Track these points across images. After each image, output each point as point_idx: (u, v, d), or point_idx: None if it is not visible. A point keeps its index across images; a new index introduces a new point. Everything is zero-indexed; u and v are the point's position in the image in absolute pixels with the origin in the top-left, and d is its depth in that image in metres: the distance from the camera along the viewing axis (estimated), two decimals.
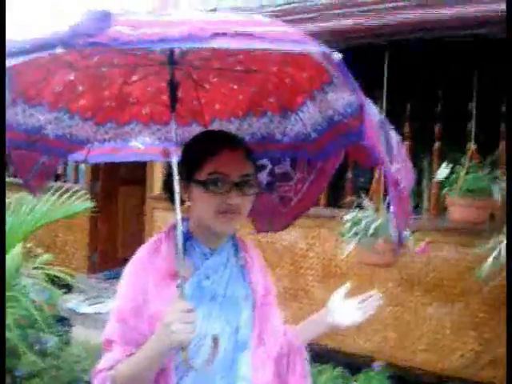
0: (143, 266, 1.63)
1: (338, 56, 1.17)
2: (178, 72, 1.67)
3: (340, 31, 4.44)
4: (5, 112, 1.35)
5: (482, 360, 4.43)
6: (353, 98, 1.47)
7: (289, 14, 4.63)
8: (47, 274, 4.61)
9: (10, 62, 1.13)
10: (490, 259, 3.64)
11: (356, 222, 4.12)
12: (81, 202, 4.46)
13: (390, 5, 4.25)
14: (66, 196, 4.30)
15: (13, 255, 4.03)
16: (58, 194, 4.31)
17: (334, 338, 4.90)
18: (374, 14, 4.30)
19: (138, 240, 7.21)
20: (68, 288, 4.85)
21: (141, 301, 1.59)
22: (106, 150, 2.05)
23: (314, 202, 2.08)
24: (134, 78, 1.78)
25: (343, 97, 1.53)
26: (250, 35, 1.13)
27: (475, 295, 4.44)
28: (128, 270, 1.67)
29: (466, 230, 4.36)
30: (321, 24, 4.44)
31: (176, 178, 1.56)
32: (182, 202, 1.69)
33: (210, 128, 1.99)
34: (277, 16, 4.59)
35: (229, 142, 1.67)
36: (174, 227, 1.65)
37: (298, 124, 1.85)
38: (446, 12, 4.01)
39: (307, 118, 1.79)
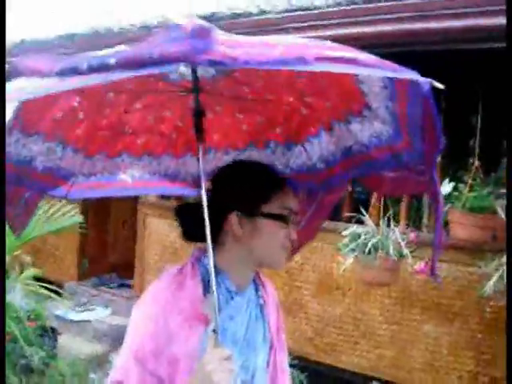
0: (166, 306, 1.48)
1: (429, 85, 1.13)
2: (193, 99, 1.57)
3: (339, 39, 4.33)
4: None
5: (478, 382, 4.32)
6: (386, 128, 1.47)
7: (291, 20, 4.51)
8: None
9: (101, 79, 1.06)
10: (494, 279, 3.54)
11: (354, 237, 4.02)
12: (69, 216, 4.33)
13: (389, 16, 4.14)
14: (54, 209, 4.17)
15: None
16: (47, 206, 4.20)
17: (329, 354, 4.82)
18: (372, 22, 4.20)
19: (128, 246, 7.17)
20: (57, 294, 4.71)
21: (162, 342, 1.45)
22: (90, 185, 1.92)
23: (315, 233, 2.02)
24: (137, 105, 1.67)
25: (373, 127, 1.52)
26: (352, 60, 1.09)
27: (474, 315, 4.34)
28: (149, 307, 1.52)
29: (467, 248, 4.25)
30: (321, 32, 4.34)
31: (206, 210, 1.46)
32: (197, 237, 1.58)
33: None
34: (279, 23, 4.49)
35: (283, 175, 1.67)
36: (198, 260, 1.58)
37: (302, 156, 1.80)
38: (449, 24, 3.91)
39: (316, 149, 1.75)
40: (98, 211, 7.23)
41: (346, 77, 1.36)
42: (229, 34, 1.16)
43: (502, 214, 3.77)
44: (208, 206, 1.53)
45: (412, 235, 4.00)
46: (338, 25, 4.27)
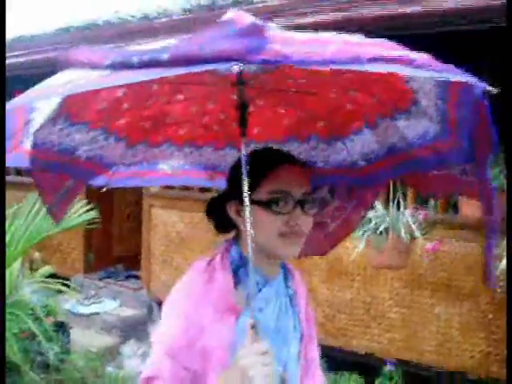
0: (197, 299, 1.47)
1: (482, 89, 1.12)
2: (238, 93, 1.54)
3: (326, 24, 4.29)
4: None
5: (490, 361, 4.35)
6: (434, 126, 1.44)
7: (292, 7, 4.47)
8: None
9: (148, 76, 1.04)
10: (505, 259, 3.53)
11: (365, 222, 4.01)
12: (78, 214, 4.33)
13: None
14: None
15: (12, 270, 3.89)
16: None
17: (339, 338, 4.83)
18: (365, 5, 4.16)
19: (133, 238, 7.17)
20: (65, 288, 4.72)
21: (194, 335, 1.44)
22: (130, 174, 1.93)
23: (355, 227, 1.99)
24: (180, 96, 1.65)
25: (420, 125, 1.49)
26: (407, 61, 1.05)
27: (485, 295, 4.35)
28: (179, 301, 1.51)
29: (477, 227, 4.24)
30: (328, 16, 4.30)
31: (246, 195, 1.40)
32: (228, 227, 1.58)
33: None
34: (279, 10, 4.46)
35: (286, 157, 1.56)
36: (227, 251, 1.55)
37: (343, 152, 1.77)
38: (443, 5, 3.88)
39: (359, 146, 1.72)
40: (102, 204, 7.21)
41: (394, 73, 1.33)
42: (281, 30, 1.14)
43: None
44: (217, 197, 1.57)
45: (421, 216, 4.00)
46: (343, 8, 4.23)
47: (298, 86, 1.58)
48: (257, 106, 1.69)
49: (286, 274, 1.69)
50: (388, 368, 4.35)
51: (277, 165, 1.50)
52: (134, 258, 7.01)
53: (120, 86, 1.45)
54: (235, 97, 1.54)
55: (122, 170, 1.88)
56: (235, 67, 1.27)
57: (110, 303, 6.47)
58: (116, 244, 7.59)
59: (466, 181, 1.47)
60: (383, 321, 4.85)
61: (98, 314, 6.18)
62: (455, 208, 4.57)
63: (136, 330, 6.10)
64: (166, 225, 6.35)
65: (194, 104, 1.72)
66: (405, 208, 4.04)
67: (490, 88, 1.09)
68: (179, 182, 2.05)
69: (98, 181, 1.88)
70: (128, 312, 6.34)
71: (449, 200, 4.60)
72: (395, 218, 3.88)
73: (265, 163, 1.50)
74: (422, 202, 4.62)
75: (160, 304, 6.45)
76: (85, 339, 5.53)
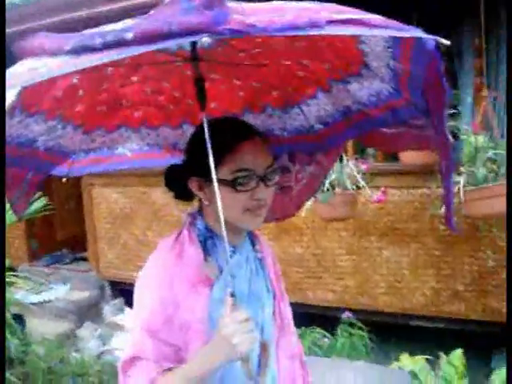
0: (170, 275, 1.48)
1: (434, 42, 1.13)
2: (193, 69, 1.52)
3: None
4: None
5: (442, 296, 4.54)
6: (386, 86, 1.48)
7: None
8: None
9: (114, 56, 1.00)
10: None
11: None
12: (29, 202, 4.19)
13: None
14: None
15: None
16: None
17: (295, 293, 4.92)
18: None
19: (75, 220, 7.04)
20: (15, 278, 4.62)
21: (171, 311, 1.45)
22: (90, 161, 1.90)
23: (315, 190, 2.04)
24: (134, 78, 1.63)
25: (372, 86, 1.52)
26: (362, 22, 1.07)
27: (430, 234, 4.52)
28: (151, 280, 1.51)
29: (417, 172, 4.39)
30: None
31: (214, 172, 1.39)
32: (188, 197, 1.59)
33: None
34: None
35: (246, 132, 1.52)
36: (192, 224, 1.56)
37: (299, 118, 1.79)
38: None
39: (314, 110, 1.75)
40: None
41: (345, 38, 1.35)
42: (236, 2, 1.13)
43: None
44: (177, 170, 1.56)
45: (364, 166, 4.10)
46: None
47: (250, 59, 1.58)
48: (211, 81, 1.68)
49: (252, 240, 1.72)
50: (346, 315, 4.47)
51: (238, 142, 1.47)
52: (77, 240, 6.91)
53: (75, 73, 1.42)
54: (189, 73, 1.53)
55: (82, 158, 1.86)
56: (205, 39, 1.25)
57: (60, 289, 6.37)
58: (59, 229, 7.45)
59: (425, 136, 1.51)
60: (335, 270, 4.97)
61: (49, 301, 6.09)
62: (394, 156, 4.70)
63: (90, 311, 6.06)
64: (109, 202, 6.27)
65: (148, 85, 1.70)
66: (347, 160, 4.12)
67: (442, 40, 1.12)
68: (140, 164, 2.02)
69: (58, 171, 1.86)
70: (80, 295, 6.26)
71: None
72: (339, 171, 3.95)
73: (225, 141, 1.47)
74: (361, 152, 4.72)
75: (111, 283, 6.41)
76: (41, 328, 5.45)
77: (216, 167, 1.41)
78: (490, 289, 4.32)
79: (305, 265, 5.08)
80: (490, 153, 3.58)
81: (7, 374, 3.48)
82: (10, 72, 1.13)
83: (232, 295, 1.38)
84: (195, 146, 1.52)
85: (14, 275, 4.48)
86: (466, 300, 4.44)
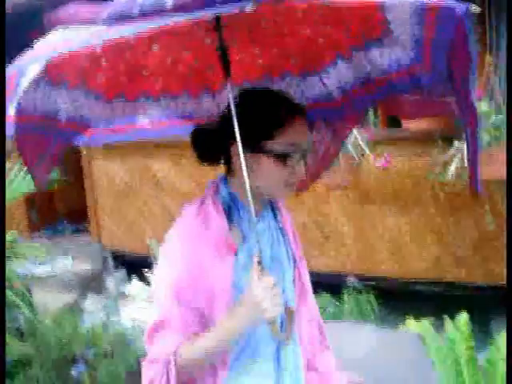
0: (195, 242, 1.52)
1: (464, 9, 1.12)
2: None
3: None
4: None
5: (443, 262, 4.59)
6: (407, 52, 1.47)
7: None
8: None
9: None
10: (454, 164, 3.68)
11: None
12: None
13: None
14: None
15: None
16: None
17: None
18: None
19: (74, 192, 7.03)
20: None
21: (197, 276, 1.49)
22: (110, 130, 1.92)
23: (333, 159, 2.03)
24: (155, 47, 1.64)
25: (393, 53, 1.52)
26: None
27: (431, 202, 4.54)
28: (178, 244, 1.55)
29: (419, 139, 4.39)
30: None
31: (239, 144, 1.46)
32: (213, 161, 1.62)
33: (217, 95, 1.88)
34: None
35: (296, 106, 1.57)
36: (216, 192, 1.59)
37: (318, 85, 1.80)
38: None
39: (334, 78, 1.75)
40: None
41: (367, 4, 1.36)
42: None
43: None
44: (217, 133, 1.57)
45: (368, 134, 4.10)
46: None
47: (270, 27, 1.60)
48: (232, 49, 1.69)
49: (274, 209, 1.75)
50: (351, 280, 4.52)
51: (292, 115, 1.52)
52: (77, 211, 6.91)
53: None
54: (209, 41, 1.53)
55: (102, 127, 1.87)
56: (249, 7, 1.24)
57: (63, 260, 6.39)
58: (58, 200, 7.46)
59: (448, 102, 1.51)
60: (337, 237, 5.01)
61: (53, 273, 6.11)
62: (395, 122, 4.69)
63: (93, 283, 6.09)
64: (110, 175, 6.25)
65: (169, 54, 1.71)
66: None
67: (474, 7, 1.12)
68: (158, 133, 2.04)
69: (80, 140, 1.89)
70: (82, 266, 6.29)
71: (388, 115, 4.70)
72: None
73: (279, 114, 1.51)
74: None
75: (114, 255, 6.44)
76: (45, 300, 5.47)
77: (266, 138, 1.48)
78: (492, 253, 4.36)
79: (307, 233, 5.10)
80: (493, 118, 3.59)
81: (19, 346, 3.52)
82: (43, 41, 1.13)
83: (259, 262, 1.43)
84: (243, 114, 1.51)
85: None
86: (467, 265, 4.49)
